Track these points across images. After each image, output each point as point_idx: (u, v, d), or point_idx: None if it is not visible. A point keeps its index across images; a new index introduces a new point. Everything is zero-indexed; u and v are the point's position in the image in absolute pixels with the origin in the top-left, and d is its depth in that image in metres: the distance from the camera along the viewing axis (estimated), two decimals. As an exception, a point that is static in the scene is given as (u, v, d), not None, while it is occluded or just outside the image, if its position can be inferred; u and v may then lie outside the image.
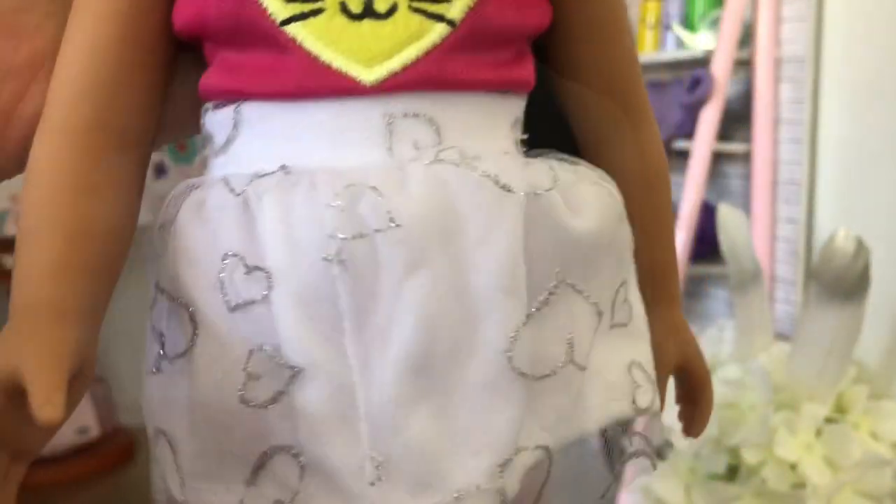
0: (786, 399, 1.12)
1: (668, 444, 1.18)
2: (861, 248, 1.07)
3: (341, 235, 0.36)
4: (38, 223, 0.38)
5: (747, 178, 1.66)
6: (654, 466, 0.45)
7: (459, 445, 0.37)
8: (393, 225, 0.36)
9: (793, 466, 1.08)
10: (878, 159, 1.44)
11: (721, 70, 1.56)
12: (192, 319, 0.38)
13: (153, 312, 0.40)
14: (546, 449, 0.40)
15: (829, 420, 1.11)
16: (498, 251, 0.37)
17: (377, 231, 0.36)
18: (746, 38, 1.61)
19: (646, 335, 0.45)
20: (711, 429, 1.12)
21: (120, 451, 2.01)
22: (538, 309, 0.39)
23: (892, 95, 1.41)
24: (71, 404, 0.34)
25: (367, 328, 0.37)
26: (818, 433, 1.09)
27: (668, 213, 0.50)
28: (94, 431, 1.96)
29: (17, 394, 0.32)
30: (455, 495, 0.37)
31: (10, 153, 0.42)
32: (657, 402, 0.44)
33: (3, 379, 0.33)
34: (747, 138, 1.64)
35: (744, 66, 1.64)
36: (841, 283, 1.08)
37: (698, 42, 1.71)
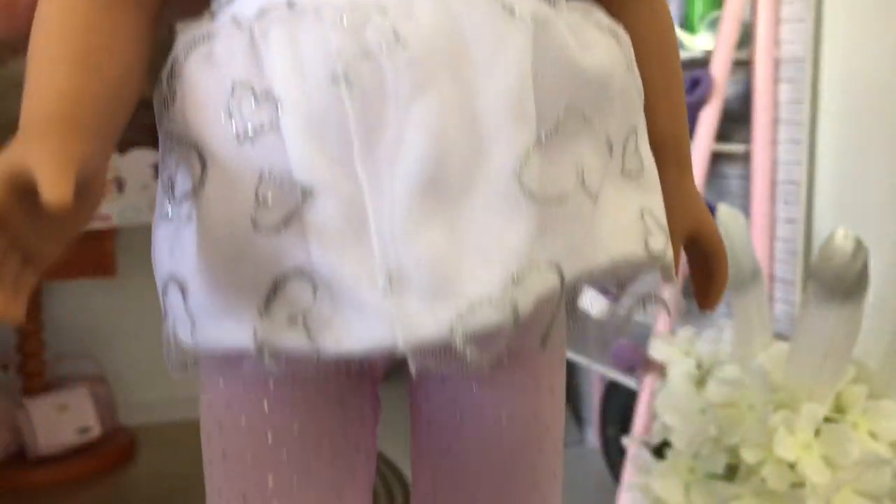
0: (785, 399, 1.12)
1: (668, 444, 1.18)
2: (860, 247, 1.08)
3: (347, 55, 0.36)
4: (51, 52, 0.38)
5: (746, 178, 1.66)
6: (669, 313, 0.45)
7: (471, 257, 0.37)
8: (399, 45, 0.36)
9: (792, 466, 1.08)
10: (877, 159, 1.44)
11: (720, 71, 1.56)
12: (201, 156, 0.38)
13: (162, 163, 0.41)
14: (558, 274, 0.39)
15: (828, 420, 1.11)
16: (505, 75, 0.38)
17: (383, 51, 0.36)
18: (745, 38, 1.61)
19: (658, 189, 0.45)
20: (710, 428, 1.12)
21: (120, 451, 2.01)
22: (548, 135, 0.39)
23: (891, 95, 1.41)
24: (81, 217, 0.34)
25: (377, 148, 0.37)
26: (817, 433, 1.09)
27: (679, 80, 0.50)
28: (95, 431, 1.96)
29: (28, 193, 0.32)
30: (468, 304, 0.37)
31: (21, 19, 0.43)
32: (670, 253, 0.44)
33: (12, 175, 0.33)
34: (746, 139, 1.64)
35: (743, 66, 1.64)
36: (840, 282, 1.08)
37: (697, 43, 1.71)
